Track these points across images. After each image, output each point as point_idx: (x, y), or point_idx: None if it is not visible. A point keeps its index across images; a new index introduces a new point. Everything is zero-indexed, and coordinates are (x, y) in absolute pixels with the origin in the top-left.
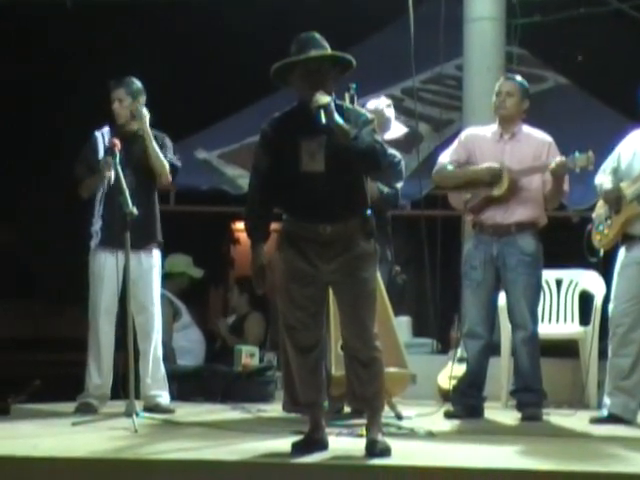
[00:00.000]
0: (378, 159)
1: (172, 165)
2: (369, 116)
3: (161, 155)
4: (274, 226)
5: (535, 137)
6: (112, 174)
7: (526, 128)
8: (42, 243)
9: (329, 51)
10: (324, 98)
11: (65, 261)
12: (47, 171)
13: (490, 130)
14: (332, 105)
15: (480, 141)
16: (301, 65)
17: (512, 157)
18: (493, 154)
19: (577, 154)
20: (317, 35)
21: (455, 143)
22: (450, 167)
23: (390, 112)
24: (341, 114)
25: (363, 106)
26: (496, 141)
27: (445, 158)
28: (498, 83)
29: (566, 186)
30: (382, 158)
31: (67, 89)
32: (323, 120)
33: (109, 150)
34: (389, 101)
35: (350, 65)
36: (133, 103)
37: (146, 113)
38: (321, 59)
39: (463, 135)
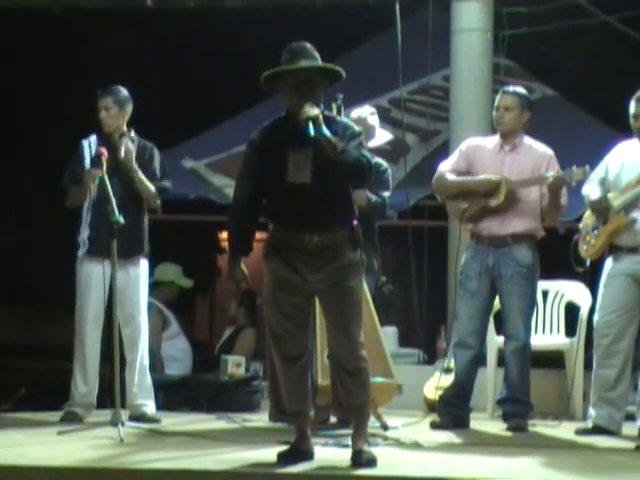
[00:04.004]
0: (364, 173)
1: (162, 188)
2: (357, 129)
3: (149, 185)
4: (260, 236)
5: (536, 149)
6: (94, 186)
7: (527, 140)
8: (33, 248)
9: (319, 62)
10: (313, 110)
11: (55, 267)
12: (40, 176)
13: (492, 141)
14: (321, 117)
15: (481, 151)
16: (291, 75)
17: (512, 168)
18: (493, 165)
19: (574, 168)
20: (308, 45)
21: (456, 153)
22: (449, 176)
23: (374, 120)
24: (329, 126)
25: (348, 115)
26: (496, 152)
27: (445, 167)
28: (497, 97)
29: (564, 200)
30: (368, 172)
31: (57, 93)
32: (312, 132)
33: (96, 159)
34: (373, 109)
35: (340, 77)
36: (121, 114)
37: (131, 148)
38: (311, 70)
39: (464, 145)
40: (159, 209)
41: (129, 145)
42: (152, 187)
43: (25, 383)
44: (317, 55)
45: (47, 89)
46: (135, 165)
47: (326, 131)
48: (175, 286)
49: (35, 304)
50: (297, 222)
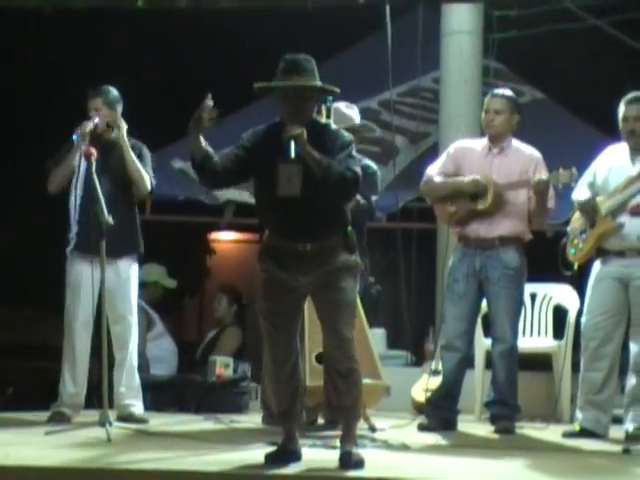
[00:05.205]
0: (348, 189)
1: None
2: (347, 138)
3: (139, 164)
4: (250, 237)
5: (523, 152)
6: (87, 138)
7: (515, 143)
8: (28, 248)
9: (315, 74)
10: (295, 130)
11: (48, 267)
12: (40, 176)
13: (480, 144)
14: (304, 136)
15: (469, 154)
16: (281, 89)
17: (499, 171)
18: (481, 168)
19: (561, 170)
20: (303, 58)
21: (444, 155)
22: (437, 179)
23: (352, 113)
24: (320, 135)
25: None
26: (485, 155)
27: (433, 170)
28: (486, 100)
29: (551, 203)
30: (353, 187)
31: (57, 93)
32: (292, 153)
33: (85, 159)
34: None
35: (332, 92)
36: (111, 114)
37: (124, 124)
38: (301, 88)
39: (452, 148)
40: (147, 210)
41: (122, 122)
42: (143, 169)
43: (20, 383)
44: (312, 66)
45: (47, 88)
46: (126, 140)
47: (309, 149)
48: (159, 286)
49: (34, 304)
50: (289, 232)
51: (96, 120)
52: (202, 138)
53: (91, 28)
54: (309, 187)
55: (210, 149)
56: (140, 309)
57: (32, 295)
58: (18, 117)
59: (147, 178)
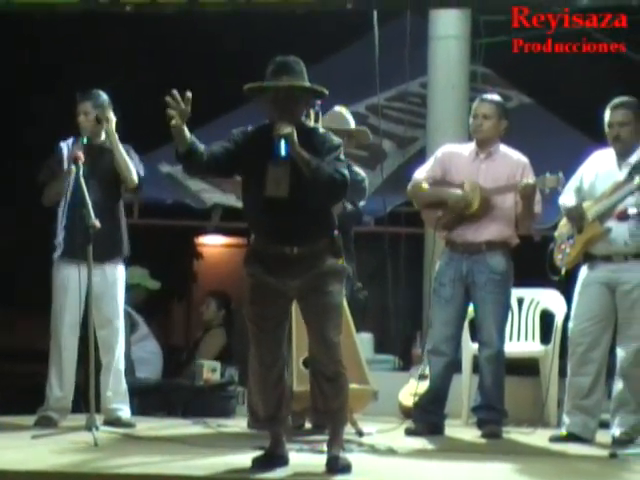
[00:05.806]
0: (337, 190)
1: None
2: (335, 141)
3: (127, 158)
4: (236, 241)
5: (511, 157)
6: (72, 177)
7: (503, 148)
8: (18, 251)
9: (304, 76)
10: (285, 128)
11: (38, 270)
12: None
13: (468, 148)
14: (294, 135)
15: (456, 159)
16: (271, 90)
17: (487, 176)
18: (468, 172)
19: (548, 175)
20: (292, 60)
21: (431, 160)
22: (425, 184)
23: (350, 118)
24: (308, 138)
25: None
26: (472, 160)
27: (421, 174)
28: (474, 104)
29: (537, 208)
30: (342, 189)
31: (44, 91)
32: (282, 152)
33: (72, 162)
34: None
35: (322, 94)
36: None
37: (112, 117)
38: (291, 89)
39: (440, 152)
40: (135, 213)
41: (111, 115)
42: (130, 163)
43: (6, 387)
44: (301, 68)
45: (45, 89)
46: (115, 133)
47: (299, 149)
48: (142, 289)
49: (19, 305)
50: (276, 235)
51: (80, 162)
52: (186, 131)
53: (86, 30)
54: (297, 189)
55: (195, 140)
56: (123, 312)
57: (18, 296)
58: (18, 117)
59: (135, 172)
